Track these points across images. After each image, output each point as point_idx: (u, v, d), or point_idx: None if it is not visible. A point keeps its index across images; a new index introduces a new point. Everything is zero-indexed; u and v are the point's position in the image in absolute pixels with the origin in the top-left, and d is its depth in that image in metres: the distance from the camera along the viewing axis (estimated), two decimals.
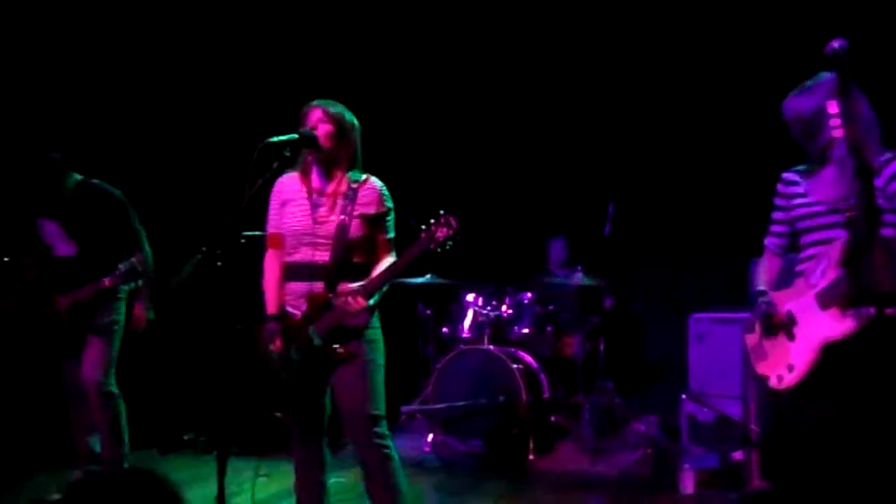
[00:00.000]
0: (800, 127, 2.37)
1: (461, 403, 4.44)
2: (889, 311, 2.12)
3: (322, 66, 5.66)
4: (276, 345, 2.60)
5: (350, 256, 2.60)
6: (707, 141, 5.27)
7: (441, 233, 2.40)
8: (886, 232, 2.17)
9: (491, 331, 4.87)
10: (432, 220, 2.43)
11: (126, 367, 3.88)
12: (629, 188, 5.45)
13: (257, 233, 3.89)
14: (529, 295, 5.08)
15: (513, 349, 4.79)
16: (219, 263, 2.30)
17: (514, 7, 5.58)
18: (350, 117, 2.71)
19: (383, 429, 2.61)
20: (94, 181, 3.66)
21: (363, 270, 2.62)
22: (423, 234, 2.44)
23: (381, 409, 2.61)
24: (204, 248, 2.30)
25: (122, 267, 3.37)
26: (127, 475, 1.97)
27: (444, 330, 5.17)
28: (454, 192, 6.18)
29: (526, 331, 5.01)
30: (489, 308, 4.97)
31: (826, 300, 2.34)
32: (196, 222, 4.55)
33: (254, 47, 5.60)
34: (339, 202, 2.63)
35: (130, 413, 3.80)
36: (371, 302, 2.52)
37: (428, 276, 4.95)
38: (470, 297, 5.05)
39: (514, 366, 4.43)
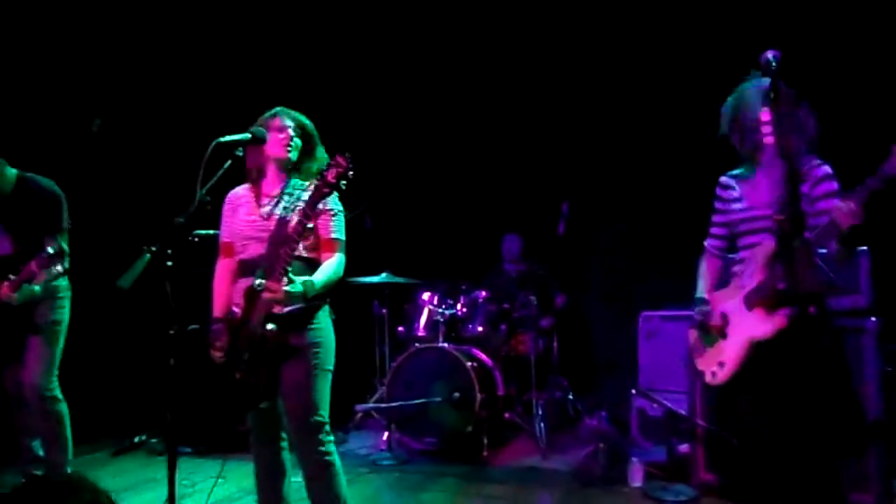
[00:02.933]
0: (736, 130, 2.49)
1: (416, 402, 4.47)
2: (811, 309, 2.24)
3: (276, 62, 5.62)
4: (222, 341, 2.61)
5: (293, 250, 2.48)
6: (657, 143, 5.40)
7: (332, 174, 2.40)
8: (809, 235, 2.30)
9: (446, 329, 4.92)
10: (323, 167, 2.45)
11: (77, 368, 3.81)
12: (583, 187, 5.55)
13: (210, 231, 3.88)
14: (483, 293, 5.13)
15: (467, 347, 4.84)
16: (169, 263, 2.28)
17: (471, 7, 5.62)
18: (310, 126, 2.75)
19: (326, 436, 2.61)
20: (32, 175, 3.56)
21: (313, 266, 2.63)
22: (317, 182, 2.44)
23: (324, 416, 2.61)
24: (153, 248, 2.27)
25: (49, 250, 3.25)
26: (59, 483, 1.94)
27: (400, 329, 5.20)
28: (410, 190, 6.23)
29: (480, 329, 5.06)
30: (444, 307, 5.01)
31: (752, 301, 2.46)
32: (146, 221, 4.50)
33: (203, 43, 5.53)
34: (284, 199, 2.66)
35: (82, 415, 3.74)
36: (292, 288, 2.43)
37: (383, 274, 4.98)
38: (425, 296, 5.09)
39: (469, 364, 4.48)
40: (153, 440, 4.72)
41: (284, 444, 2.80)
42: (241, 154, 2.61)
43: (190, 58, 5.52)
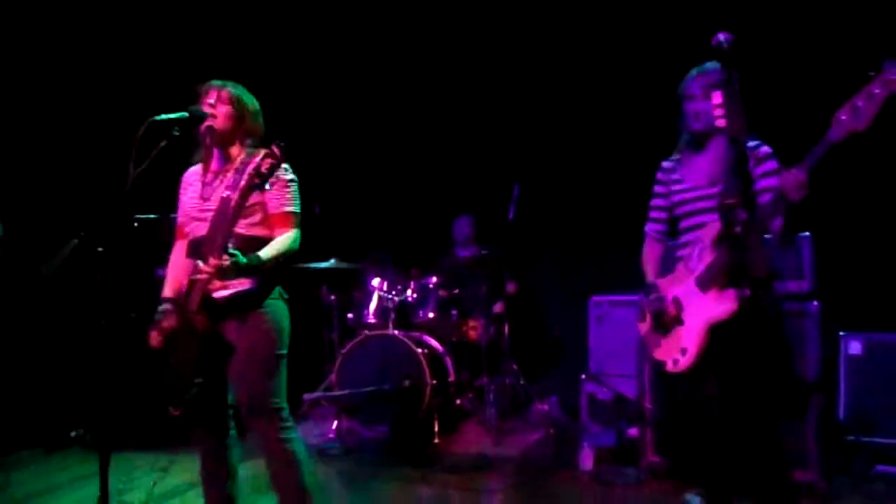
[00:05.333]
0: (689, 109, 2.49)
1: (366, 389, 4.40)
2: (759, 292, 2.25)
3: (220, 39, 5.41)
4: (170, 322, 2.50)
5: (231, 226, 2.40)
6: (610, 126, 5.40)
7: (266, 164, 2.30)
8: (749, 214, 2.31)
9: (396, 316, 4.85)
10: (258, 156, 2.34)
11: (7, 360, 3.61)
12: (534, 170, 5.53)
13: (151, 216, 3.71)
14: (434, 279, 5.07)
15: (417, 333, 4.78)
16: (99, 249, 2.14)
17: None
18: (250, 99, 2.62)
19: (283, 423, 2.53)
20: None
21: (261, 243, 2.51)
22: (250, 171, 2.33)
23: (278, 402, 2.53)
24: (81, 233, 2.13)
25: None
26: None
27: (349, 315, 5.11)
28: (359, 173, 6.12)
29: (431, 315, 5.01)
30: (394, 293, 4.94)
31: (705, 282, 2.46)
32: (76, 204, 4.29)
33: (141, 18, 5.28)
34: (229, 177, 2.54)
35: (13, 410, 3.55)
36: (230, 264, 2.32)
37: (332, 260, 4.87)
38: (375, 282, 5.01)
39: (419, 350, 4.42)
40: (89, 435, 4.52)
41: (232, 433, 2.69)
42: (177, 134, 2.47)
43: (123, 30, 5.26)
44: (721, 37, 1.94)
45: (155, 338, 2.52)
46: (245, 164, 2.52)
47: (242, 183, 2.34)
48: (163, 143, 2.36)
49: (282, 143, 2.31)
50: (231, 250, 2.32)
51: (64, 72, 5.07)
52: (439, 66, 5.83)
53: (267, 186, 2.32)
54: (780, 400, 2.40)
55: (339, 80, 5.96)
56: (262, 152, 2.33)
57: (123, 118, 3.22)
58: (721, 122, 1.89)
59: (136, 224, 3.94)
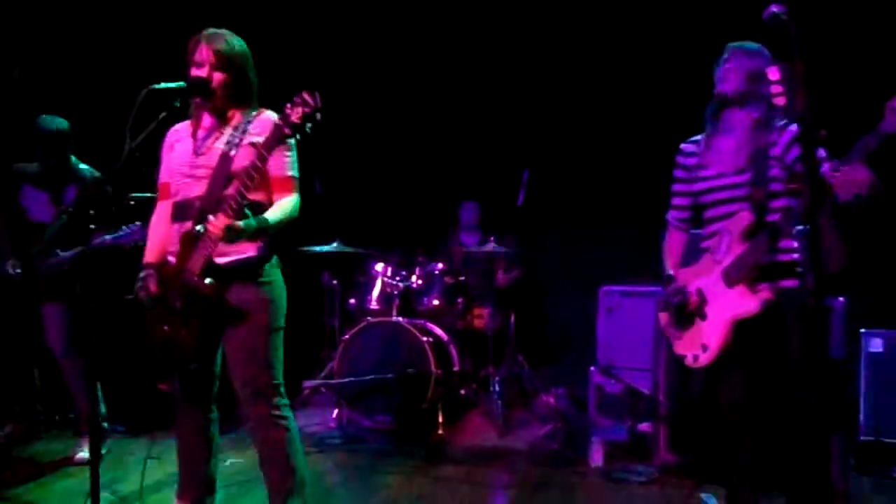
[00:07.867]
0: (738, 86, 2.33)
1: (368, 378, 4.26)
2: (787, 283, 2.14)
3: (226, 16, 5.20)
4: (152, 288, 2.33)
5: (246, 188, 2.24)
6: (621, 113, 5.25)
7: (296, 113, 2.10)
8: (787, 202, 2.18)
9: (400, 302, 4.71)
10: (288, 103, 2.13)
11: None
12: (544, 157, 5.38)
13: (146, 195, 3.55)
14: (440, 266, 4.93)
15: (422, 321, 4.64)
16: (92, 226, 1.99)
17: None
18: (241, 47, 2.41)
19: (280, 399, 2.39)
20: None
21: (260, 209, 2.34)
22: (277, 120, 2.14)
23: (277, 377, 2.39)
24: (70, 209, 1.97)
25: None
26: None
27: (351, 301, 4.98)
28: (364, 153, 5.95)
29: (436, 302, 4.87)
30: (398, 279, 4.80)
31: (732, 277, 2.33)
32: None
33: None
34: (227, 132, 2.36)
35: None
36: (245, 223, 2.18)
37: (335, 243, 4.72)
38: (378, 267, 4.86)
39: (424, 339, 4.28)
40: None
41: (214, 414, 2.54)
42: (178, 106, 2.29)
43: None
44: (775, 8, 1.76)
45: (143, 297, 2.36)
46: (247, 121, 2.36)
47: (268, 135, 2.14)
48: (162, 115, 2.20)
49: (315, 91, 2.09)
50: (248, 213, 2.15)
51: (56, 41, 4.88)
52: (451, 49, 5.65)
53: (297, 137, 2.12)
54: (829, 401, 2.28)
55: (345, 56, 5.78)
56: (294, 100, 2.10)
57: (120, 89, 3.06)
58: (780, 101, 1.73)
59: (131, 203, 3.78)
